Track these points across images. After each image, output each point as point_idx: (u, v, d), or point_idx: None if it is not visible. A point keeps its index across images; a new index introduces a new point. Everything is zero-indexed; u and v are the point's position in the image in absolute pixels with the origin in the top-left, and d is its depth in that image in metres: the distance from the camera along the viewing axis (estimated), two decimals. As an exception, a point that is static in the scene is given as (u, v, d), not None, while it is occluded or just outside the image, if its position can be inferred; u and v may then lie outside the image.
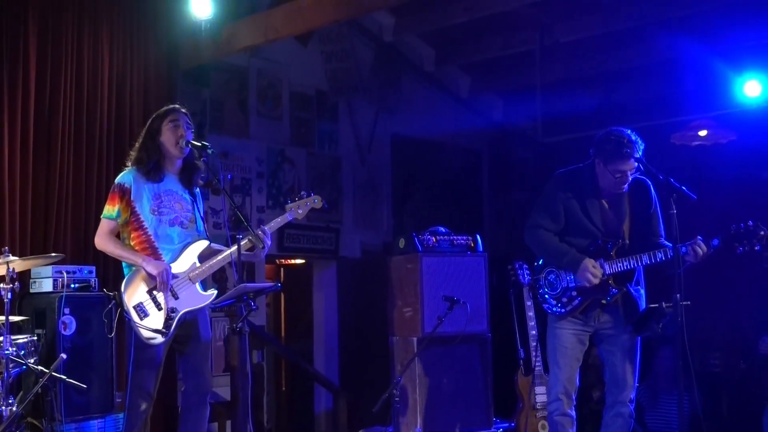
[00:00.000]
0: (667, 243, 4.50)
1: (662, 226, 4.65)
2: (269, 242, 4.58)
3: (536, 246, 4.71)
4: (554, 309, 4.63)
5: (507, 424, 5.83)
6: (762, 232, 4.36)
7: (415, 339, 5.52)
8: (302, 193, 4.85)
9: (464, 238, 5.79)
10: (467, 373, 5.66)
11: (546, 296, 4.69)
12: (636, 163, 4.43)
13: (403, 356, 5.60)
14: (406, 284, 5.68)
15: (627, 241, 4.59)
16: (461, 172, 9.64)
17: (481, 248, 5.81)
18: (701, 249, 4.38)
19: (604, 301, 4.55)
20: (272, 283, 4.76)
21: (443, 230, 5.81)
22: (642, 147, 4.46)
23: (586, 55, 8.35)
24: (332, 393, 8.16)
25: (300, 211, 4.74)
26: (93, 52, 6.37)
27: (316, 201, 4.78)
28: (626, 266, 4.49)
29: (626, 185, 4.54)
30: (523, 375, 5.85)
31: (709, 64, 7.49)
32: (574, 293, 4.57)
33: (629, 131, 4.48)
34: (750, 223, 4.39)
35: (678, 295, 4.06)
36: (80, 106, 6.26)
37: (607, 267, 4.49)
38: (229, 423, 7.14)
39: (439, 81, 9.38)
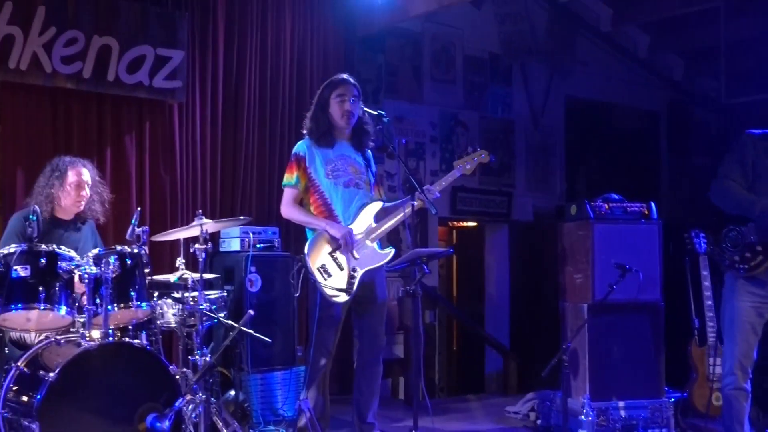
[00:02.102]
0: None
1: None
2: (437, 195, 4.66)
3: (724, 196, 4.52)
4: (738, 267, 4.49)
5: (679, 394, 5.72)
6: None
7: (585, 305, 5.50)
8: (469, 148, 4.88)
9: (638, 205, 5.67)
10: (638, 341, 5.58)
11: (728, 254, 4.54)
12: None
13: (573, 322, 5.60)
14: (577, 251, 5.65)
15: None
16: (638, 136, 9.41)
17: (655, 216, 5.69)
18: None
19: None
20: (445, 249, 4.86)
21: (616, 197, 5.71)
22: None
23: (776, 11, 7.90)
24: (502, 355, 8.25)
25: (468, 166, 4.78)
26: (276, 22, 6.69)
27: (483, 155, 4.79)
28: None
29: None
30: (697, 345, 5.72)
31: None
32: (758, 248, 4.42)
33: None
34: None
35: None
36: (264, 76, 6.61)
37: None
38: (402, 379, 7.40)
39: (616, 41, 9.15)
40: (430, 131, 8.01)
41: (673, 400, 5.65)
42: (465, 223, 9.02)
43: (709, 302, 5.62)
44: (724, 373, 4.58)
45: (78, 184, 4.86)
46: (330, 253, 4.59)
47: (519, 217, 8.68)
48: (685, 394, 5.69)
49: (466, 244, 9.14)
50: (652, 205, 5.72)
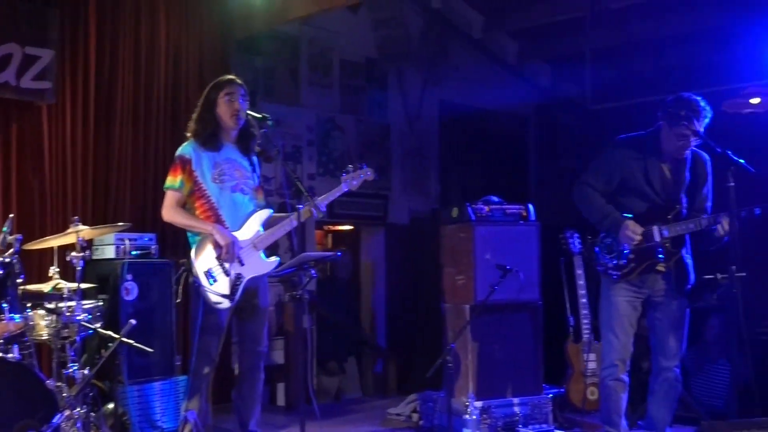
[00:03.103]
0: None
1: (710, 206, 4.67)
2: (323, 209, 4.67)
3: (581, 202, 4.75)
4: (611, 272, 4.67)
5: (557, 390, 5.91)
6: None
7: (467, 307, 5.60)
8: (358, 164, 4.93)
9: (517, 207, 5.83)
10: (519, 340, 5.73)
11: (602, 260, 4.72)
12: (701, 130, 4.44)
13: (455, 323, 5.69)
14: (458, 253, 5.74)
15: (683, 208, 4.62)
16: (508, 140, 9.65)
17: (533, 217, 5.86)
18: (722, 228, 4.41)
19: (662, 267, 4.57)
20: (332, 252, 4.86)
21: (496, 199, 5.85)
22: (710, 116, 4.47)
23: (637, 21, 8.27)
24: (381, 357, 8.29)
25: (355, 183, 4.85)
26: (150, 23, 6.50)
27: (369, 173, 4.90)
28: (689, 228, 4.49)
29: (689, 150, 4.57)
30: (573, 342, 5.93)
31: (762, 31, 7.38)
32: (631, 256, 4.60)
33: (700, 98, 4.50)
34: None
35: (734, 267, 4.10)
36: (138, 78, 6.41)
37: (665, 231, 4.52)
38: (281, 386, 7.31)
39: (487, 48, 9.34)
40: (308, 135, 7.96)
41: (551, 395, 5.83)
42: (341, 227, 9.02)
43: (584, 300, 5.84)
44: (604, 366, 4.74)
45: None
46: (216, 258, 4.49)
47: (395, 219, 8.75)
48: (562, 390, 5.89)
49: (341, 247, 9.12)
50: (530, 207, 5.89)
